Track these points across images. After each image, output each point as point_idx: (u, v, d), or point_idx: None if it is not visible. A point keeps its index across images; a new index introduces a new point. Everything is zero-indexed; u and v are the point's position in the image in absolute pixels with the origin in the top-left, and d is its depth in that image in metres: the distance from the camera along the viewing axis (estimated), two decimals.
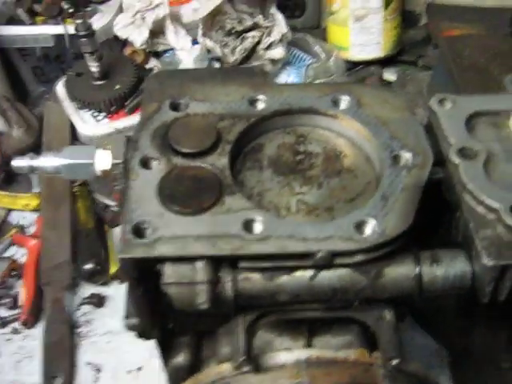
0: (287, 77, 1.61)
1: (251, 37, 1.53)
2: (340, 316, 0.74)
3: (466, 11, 1.77)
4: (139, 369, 1.17)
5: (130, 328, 0.74)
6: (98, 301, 1.26)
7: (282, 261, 0.65)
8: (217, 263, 0.65)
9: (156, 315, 0.71)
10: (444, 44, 1.43)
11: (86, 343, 1.21)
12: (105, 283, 1.30)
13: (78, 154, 0.75)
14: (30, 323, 1.22)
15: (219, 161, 0.70)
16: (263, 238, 0.63)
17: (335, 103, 0.77)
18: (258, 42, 1.54)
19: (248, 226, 0.64)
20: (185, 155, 0.70)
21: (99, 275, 1.27)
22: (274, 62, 1.57)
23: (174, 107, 0.76)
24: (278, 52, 1.54)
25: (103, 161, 0.73)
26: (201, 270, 0.63)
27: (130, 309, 0.74)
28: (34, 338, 1.22)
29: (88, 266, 1.25)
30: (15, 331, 1.23)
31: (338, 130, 0.77)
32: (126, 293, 0.76)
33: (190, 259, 0.64)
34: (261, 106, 0.76)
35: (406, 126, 0.74)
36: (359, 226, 0.65)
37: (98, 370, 1.17)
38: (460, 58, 1.36)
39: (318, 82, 1.58)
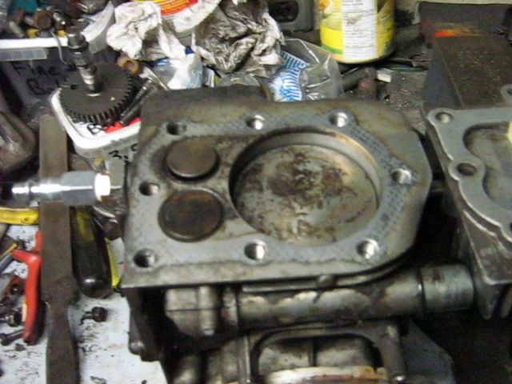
0: (281, 82, 1.61)
1: (245, 43, 1.53)
2: (344, 334, 0.74)
3: (459, 9, 1.77)
4: (144, 382, 1.17)
5: (135, 352, 0.74)
6: (100, 315, 1.26)
7: (285, 284, 0.65)
8: (220, 289, 0.65)
9: (160, 339, 0.71)
10: (438, 46, 1.43)
11: (90, 358, 1.21)
12: (106, 296, 1.29)
13: (77, 180, 0.74)
14: (33, 340, 1.22)
15: (219, 184, 0.70)
16: (266, 263, 0.63)
17: (332, 121, 0.77)
18: (252, 48, 1.54)
19: (250, 250, 0.65)
20: (184, 180, 0.70)
21: (101, 289, 1.27)
22: (268, 67, 1.56)
23: (172, 130, 0.76)
24: (272, 58, 1.54)
25: (103, 186, 0.73)
26: (204, 297, 0.64)
27: (133, 333, 0.74)
28: (39, 354, 1.22)
29: (89, 281, 1.25)
30: (19, 348, 1.23)
31: (336, 147, 0.77)
32: (130, 317, 0.77)
33: (193, 286, 0.64)
34: (258, 125, 0.76)
35: (405, 143, 0.74)
36: (360, 248, 0.65)
37: None
38: (454, 60, 1.36)
39: (312, 85, 1.58)
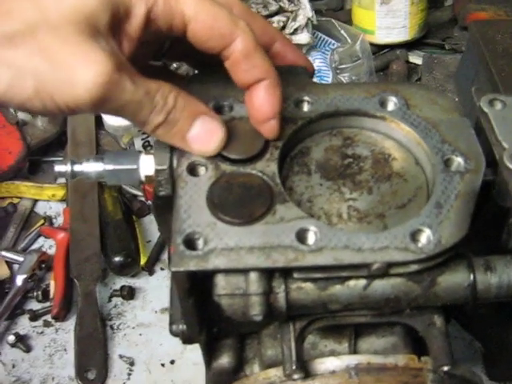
0: (312, 62, 1.58)
1: (276, 21, 1.51)
2: (389, 321, 0.73)
3: None
4: (172, 362, 1.17)
5: (176, 334, 0.74)
6: (129, 293, 1.25)
7: (336, 271, 0.64)
8: (269, 274, 0.64)
9: (203, 322, 0.70)
10: (474, 29, 1.40)
11: (118, 336, 1.21)
12: (134, 275, 1.29)
13: (121, 160, 0.73)
14: (61, 317, 1.22)
15: (268, 167, 0.68)
16: (318, 248, 0.62)
17: (382, 104, 0.75)
18: (284, 27, 1.52)
19: (301, 236, 0.63)
20: (233, 161, 0.69)
21: (129, 267, 1.26)
22: (299, 46, 1.54)
23: (218, 110, 0.74)
24: (303, 37, 1.51)
25: (148, 166, 0.72)
26: (254, 282, 0.62)
27: (175, 315, 0.73)
28: (67, 331, 1.22)
29: (118, 259, 1.24)
30: (47, 324, 1.23)
31: (385, 132, 0.75)
32: (171, 299, 0.76)
33: (242, 270, 0.63)
34: (307, 107, 0.74)
35: (457, 129, 0.72)
36: (414, 236, 0.63)
37: (132, 363, 1.17)
38: (492, 44, 1.34)
39: (343, 66, 1.56)
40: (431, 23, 1.72)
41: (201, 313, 0.68)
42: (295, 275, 0.64)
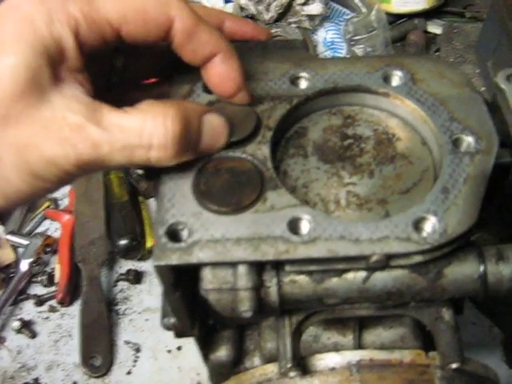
0: (325, 33, 1.52)
1: None
2: (393, 314, 0.68)
3: None
4: (179, 348, 1.13)
5: (168, 328, 0.70)
6: (135, 277, 1.22)
7: (332, 263, 0.58)
8: (260, 266, 0.59)
9: (195, 315, 0.66)
10: None
11: (124, 321, 1.18)
12: (141, 258, 1.25)
13: None
14: (66, 301, 1.19)
15: (260, 150, 0.63)
16: (311, 239, 0.57)
17: (386, 79, 0.69)
18: None
19: (294, 225, 0.58)
20: None
21: (135, 250, 1.22)
22: (311, 17, 1.48)
23: (208, 89, 0.69)
24: (315, 7, 1.45)
25: None
26: (243, 276, 0.58)
27: (166, 308, 0.69)
28: (72, 316, 1.19)
29: (123, 242, 1.21)
30: (52, 309, 1.20)
31: (389, 109, 0.69)
32: (162, 292, 0.72)
33: (230, 263, 0.58)
34: (303, 84, 0.69)
35: (468, 105, 0.66)
36: (417, 225, 0.58)
37: (138, 350, 1.14)
38: None
39: (358, 37, 1.49)
40: None
41: (191, 306, 0.64)
42: (287, 268, 0.59)
